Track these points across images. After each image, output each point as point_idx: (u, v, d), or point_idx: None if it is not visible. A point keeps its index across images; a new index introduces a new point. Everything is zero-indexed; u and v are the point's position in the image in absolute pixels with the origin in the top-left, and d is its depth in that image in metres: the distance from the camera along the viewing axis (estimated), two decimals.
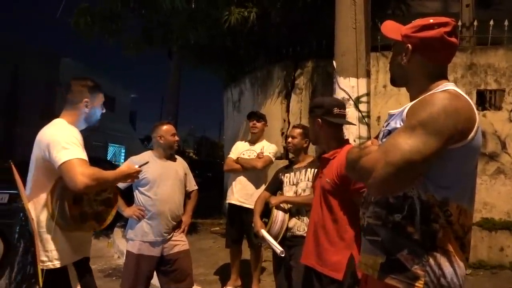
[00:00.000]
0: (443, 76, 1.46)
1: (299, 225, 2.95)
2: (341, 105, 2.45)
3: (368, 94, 4.27)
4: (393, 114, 1.49)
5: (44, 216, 1.99)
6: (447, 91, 1.36)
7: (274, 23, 6.69)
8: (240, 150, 4.29)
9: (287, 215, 2.99)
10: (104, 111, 2.30)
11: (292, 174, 3.11)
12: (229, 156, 4.33)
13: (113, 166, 9.67)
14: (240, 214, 4.11)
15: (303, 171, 3.06)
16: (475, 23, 5.92)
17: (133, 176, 2.26)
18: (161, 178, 3.18)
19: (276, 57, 7.05)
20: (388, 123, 1.49)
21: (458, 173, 1.35)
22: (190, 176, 3.51)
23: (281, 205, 3.00)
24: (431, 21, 1.42)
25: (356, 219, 1.65)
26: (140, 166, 2.32)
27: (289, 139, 3.16)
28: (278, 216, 2.96)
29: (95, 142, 17.70)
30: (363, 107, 4.20)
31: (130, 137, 25.37)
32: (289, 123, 6.50)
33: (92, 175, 1.88)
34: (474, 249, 5.00)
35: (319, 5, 6.23)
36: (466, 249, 1.38)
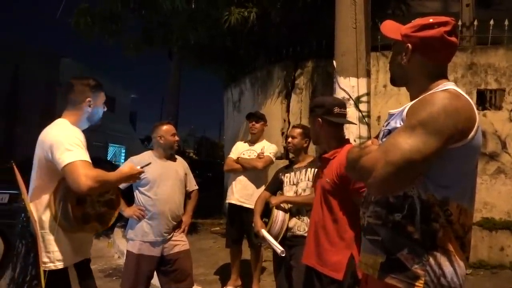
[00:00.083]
0: (443, 76, 1.46)
1: (300, 225, 2.95)
2: (342, 104, 2.45)
3: (368, 94, 4.26)
4: (393, 114, 1.49)
5: (46, 217, 1.98)
6: (447, 90, 1.36)
7: (274, 23, 6.69)
8: (240, 150, 4.29)
9: (287, 215, 2.99)
10: (105, 109, 2.29)
11: (292, 174, 3.11)
12: (229, 156, 4.33)
13: (113, 166, 9.67)
14: (240, 214, 4.11)
15: (303, 171, 3.07)
16: (475, 22, 5.92)
17: (136, 177, 2.26)
18: (161, 178, 3.18)
19: (276, 57, 7.05)
20: (388, 123, 1.49)
21: (458, 173, 1.35)
22: (190, 176, 3.51)
23: (281, 205, 3.00)
24: (431, 20, 1.42)
25: (357, 219, 1.65)
26: (142, 167, 2.32)
27: (289, 139, 3.16)
28: (279, 216, 2.96)
29: (95, 142, 17.70)
30: (363, 107, 4.20)
31: (130, 138, 25.37)
32: (289, 123, 6.50)
33: (96, 177, 1.87)
34: (475, 249, 5.00)
35: (319, 5, 6.23)
36: (467, 249, 1.38)
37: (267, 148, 4.16)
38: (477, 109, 4.71)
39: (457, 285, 1.33)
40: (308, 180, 3.01)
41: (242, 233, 4.24)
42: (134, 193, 3.23)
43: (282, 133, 6.48)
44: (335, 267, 2.13)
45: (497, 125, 5.32)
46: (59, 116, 2.15)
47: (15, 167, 2.05)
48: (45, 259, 1.95)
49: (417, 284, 1.31)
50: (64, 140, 1.93)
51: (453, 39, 1.42)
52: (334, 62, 4.36)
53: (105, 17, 7.03)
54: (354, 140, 3.94)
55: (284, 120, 6.60)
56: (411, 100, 1.45)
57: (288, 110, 6.60)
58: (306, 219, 2.94)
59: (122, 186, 3.05)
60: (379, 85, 5.70)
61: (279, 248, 2.83)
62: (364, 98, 4.22)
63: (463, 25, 6.15)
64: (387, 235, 1.40)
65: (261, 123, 4.29)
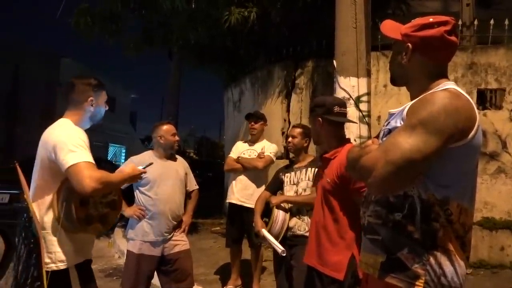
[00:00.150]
0: (444, 75, 1.46)
1: (300, 225, 2.95)
2: (342, 103, 2.45)
3: (368, 94, 4.26)
4: (394, 113, 1.49)
5: (48, 217, 1.98)
6: (447, 90, 1.36)
7: (274, 23, 6.69)
8: (241, 150, 4.29)
9: (287, 215, 2.99)
10: (107, 108, 2.28)
11: (293, 173, 3.11)
12: (230, 155, 4.33)
13: (113, 166, 9.67)
14: (241, 214, 4.11)
15: (304, 170, 3.07)
16: (476, 22, 5.91)
17: (138, 177, 2.25)
18: (162, 178, 3.18)
19: (277, 57, 7.05)
20: (389, 122, 1.49)
21: (459, 172, 1.35)
22: (191, 176, 3.51)
23: (281, 204, 3.00)
24: (431, 20, 1.41)
25: (357, 219, 1.65)
26: (144, 167, 2.31)
27: (290, 139, 3.16)
28: (279, 215, 2.96)
29: (95, 142, 17.72)
30: (363, 106, 4.20)
31: (131, 137, 25.39)
32: (289, 122, 6.50)
33: (100, 179, 1.87)
34: (475, 249, 5.00)
35: (319, 5, 6.23)
36: (467, 248, 1.38)
37: (268, 148, 4.16)
38: (478, 108, 4.66)
39: (457, 284, 1.33)
40: (309, 179, 3.01)
41: (242, 232, 4.24)
42: (135, 193, 3.23)
43: (283, 133, 6.48)
44: (336, 267, 2.13)
45: (497, 125, 5.32)
46: (60, 116, 2.14)
47: (18, 167, 2.04)
48: (47, 260, 1.94)
49: (417, 283, 1.31)
50: (67, 141, 1.92)
51: (453, 38, 1.42)
52: (334, 62, 4.35)
53: (105, 17, 7.03)
54: (355, 140, 3.94)
55: (285, 120, 6.60)
56: (412, 99, 1.45)
57: (288, 110, 6.60)
58: (306, 218, 2.95)
59: (123, 186, 3.05)
60: (379, 84, 5.70)
61: (279, 247, 2.83)
62: (365, 98, 4.22)
63: (463, 24, 6.15)
64: (387, 234, 1.40)
65: (261, 123, 4.28)
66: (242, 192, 4.11)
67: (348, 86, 4.17)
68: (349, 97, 4.12)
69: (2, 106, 16.27)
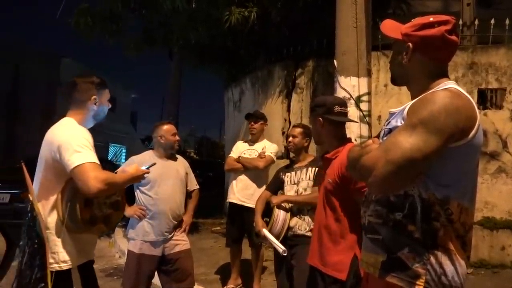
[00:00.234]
0: (444, 75, 1.46)
1: (301, 224, 2.95)
2: (343, 103, 2.45)
3: (369, 93, 4.26)
4: (394, 113, 1.49)
5: (52, 217, 1.97)
6: (448, 89, 1.36)
7: (274, 22, 6.69)
8: (241, 149, 4.29)
9: (288, 215, 2.98)
10: (110, 106, 2.26)
11: (293, 173, 3.11)
12: (230, 155, 4.33)
13: (114, 166, 9.68)
14: (241, 213, 4.11)
15: (304, 170, 3.06)
16: (476, 22, 5.91)
17: (141, 177, 2.24)
18: (162, 177, 3.18)
19: (277, 57, 7.04)
20: (389, 122, 1.49)
21: (459, 172, 1.35)
22: (191, 176, 3.51)
23: (282, 204, 3.00)
24: (431, 19, 1.41)
25: (359, 219, 1.65)
26: (148, 168, 2.31)
27: (290, 139, 3.16)
28: (280, 215, 2.96)
29: (96, 142, 17.71)
30: (364, 106, 4.20)
31: (131, 137, 25.40)
32: (290, 122, 6.49)
33: (105, 180, 1.86)
34: (475, 248, 5.00)
35: (320, 5, 6.23)
36: (467, 248, 1.38)
37: (268, 147, 4.16)
38: (478, 108, 4.69)
39: (458, 284, 1.33)
40: (309, 179, 3.01)
41: (242, 232, 4.24)
42: (135, 193, 3.23)
43: (283, 133, 6.47)
44: (337, 267, 2.13)
45: (498, 125, 5.32)
46: (61, 116, 2.13)
47: (24, 167, 2.02)
48: (50, 260, 1.93)
49: (418, 283, 1.31)
50: (72, 141, 1.91)
51: (454, 38, 1.42)
52: (335, 62, 4.35)
53: (105, 17, 7.03)
54: (355, 140, 3.94)
55: (285, 120, 6.60)
56: (412, 99, 1.45)
57: (288, 110, 6.60)
58: (307, 218, 2.94)
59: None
60: (379, 84, 5.70)
61: (280, 247, 2.83)
62: (365, 98, 4.22)
63: (463, 24, 6.15)
64: (388, 234, 1.40)
65: (260, 122, 4.28)
66: (243, 192, 4.11)
67: (349, 85, 4.17)
68: (349, 96, 4.12)
69: (2, 106, 16.29)
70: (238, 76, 8.41)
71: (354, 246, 2.11)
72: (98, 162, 1.93)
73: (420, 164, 1.27)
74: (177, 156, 3.45)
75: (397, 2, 7.41)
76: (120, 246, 5.82)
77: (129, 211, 3.14)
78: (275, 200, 3.02)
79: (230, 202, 4.23)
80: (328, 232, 2.21)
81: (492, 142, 5.29)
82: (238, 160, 4.16)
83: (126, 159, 5.84)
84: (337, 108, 2.35)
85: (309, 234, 2.90)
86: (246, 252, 4.43)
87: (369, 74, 4.30)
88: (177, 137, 3.36)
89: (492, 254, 5.11)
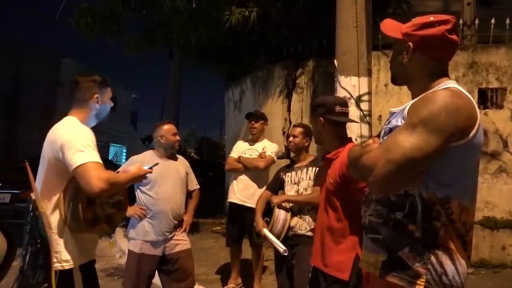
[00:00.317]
0: (444, 74, 1.46)
1: (301, 224, 2.95)
2: (343, 103, 2.44)
3: (369, 93, 4.26)
4: (395, 112, 1.49)
5: (55, 217, 1.95)
6: (448, 89, 1.36)
7: (275, 22, 6.69)
8: (241, 149, 4.29)
9: (289, 214, 2.98)
10: (112, 105, 2.25)
11: (294, 173, 3.11)
12: (230, 155, 4.33)
13: (115, 166, 9.69)
14: (241, 213, 4.11)
15: (304, 170, 3.06)
16: (477, 21, 5.91)
17: (144, 177, 2.22)
18: (162, 177, 3.18)
19: (277, 57, 7.04)
20: (389, 121, 1.49)
21: (460, 171, 1.34)
22: (192, 176, 3.52)
23: (282, 204, 3.00)
24: (432, 19, 1.41)
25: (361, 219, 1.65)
26: (150, 167, 2.30)
27: (290, 138, 3.16)
28: (280, 215, 2.96)
29: (96, 142, 17.71)
30: (364, 106, 4.20)
31: (131, 137, 25.41)
32: (290, 122, 6.49)
33: (108, 179, 1.85)
34: (476, 248, 5.00)
35: (320, 4, 6.23)
36: (468, 247, 1.38)
37: (269, 147, 4.16)
38: (479, 108, 4.68)
39: (458, 283, 1.33)
40: (309, 179, 3.01)
41: (242, 232, 4.24)
42: (136, 193, 3.23)
43: (283, 132, 6.47)
44: (340, 267, 2.13)
45: (498, 124, 5.32)
46: (61, 116, 2.11)
47: (28, 166, 2.01)
48: (53, 259, 1.92)
49: (418, 282, 1.31)
50: (75, 140, 1.90)
51: (454, 37, 1.42)
52: (335, 61, 4.35)
53: (105, 17, 7.03)
54: (355, 139, 3.94)
55: (285, 120, 6.60)
56: (413, 98, 1.45)
57: (289, 110, 6.60)
58: (307, 218, 2.95)
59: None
60: (380, 84, 5.70)
61: (281, 247, 2.83)
62: (365, 97, 4.22)
63: (464, 24, 6.14)
64: (388, 233, 1.40)
65: (261, 122, 4.28)
66: (243, 192, 4.11)
67: (349, 85, 4.17)
68: (350, 96, 4.12)
69: (2, 106, 16.29)
70: (239, 76, 8.41)
71: (356, 246, 2.11)
72: (101, 162, 1.91)
73: (421, 163, 1.27)
74: (178, 156, 3.46)
75: (397, 2, 7.41)
76: (121, 246, 5.82)
77: (129, 211, 3.14)
78: (275, 200, 3.02)
79: (230, 202, 4.23)
80: (330, 233, 2.21)
81: (492, 141, 5.29)
82: (239, 160, 4.16)
83: (126, 159, 5.83)
84: (338, 108, 2.35)
85: (309, 234, 2.90)
86: (247, 252, 4.43)
87: (369, 73, 4.30)
88: (177, 137, 3.36)
89: (492, 253, 5.11)
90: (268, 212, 3.07)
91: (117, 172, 2.45)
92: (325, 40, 6.07)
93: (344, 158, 2.00)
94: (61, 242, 1.95)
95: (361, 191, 1.91)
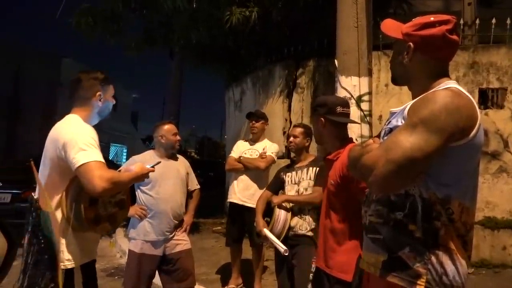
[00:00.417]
0: (445, 74, 1.46)
1: (301, 224, 2.95)
2: (344, 103, 2.44)
3: (370, 93, 4.26)
4: (395, 112, 1.49)
5: (57, 216, 1.94)
6: (448, 89, 1.36)
7: (275, 22, 6.69)
8: (241, 149, 4.29)
9: (289, 214, 2.98)
10: (114, 102, 2.24)
11: (294, 173, 3.11)
12: (231, 155, 4.32)
13: (115, 166, 9.69)
14: (242, 213, 4.11)
15: (305, 170, 3.06)
16: (477, 21, 5.91)
17: (146, 176, 2.19)
18: (163, 177, 3.18)
19: (278, 57, 7.04)
20: (390, 121, 1.49)
21: (460, 171, 1.34)
22: (192, 175, 3.52)
23: (283, 204, 3.00)
24: (432, 19, 1.41)
25: None
26: (153, 166, 2.29)
27: (291, 138, 3.16)
28: (280, 215, 2.95)
29: None
30: (365, 106, 4.20)
31: (132, 137, 25.44)
32: (290, 122, 6.50)
33: (111, 179, 1.83)
34: (477, 248, 4.99)
35: (320, 4, 6.23)
36: (468, 247, 1.38)
37: (269, 147, 4.16)
38: (479, 108, 4.68)
39: (459, 283, 1.33)
40: (310, 179, 3.01)
41: (242, 232, 4.25)
42: (136, 192, 3.23)
43: (284, 132, 6.47)
44: (343, 268, 2.12)
45: (499, 124, 5.31)
46: (61, 116, 2.10)
47: (33, 166, 2.01)
48: (60, 259, 1.91)
49: (418, 282, 1.31)
50: (78, 139, 1.88)
51: (455, 37, 1.42)
52: (336, 61, 4.35)
53: (106, 17, 7.04)
54: (356, 139, 3.94)
55: (286, 119, 6.60)
56: (413, 98, 1.45)
57: (289, 109, 6.60)
58: (308, 218, 2.94)
59: None
60: (380, 84, 5.69)
61: (282, 247, 2.82)
62: (366, 97, 4.22)
63: (465, 24, 6.14)
64: (388, 233, 1.40)
65: (261, 122, 4.28)
66: (244, 192, 4.11)
67: (350, 85, 4.17)
68: (350, 96, 4.12)
69: (3, 106, 16.31)
70: (239, 76, 8.41)
71: (359, 247, 2.10)
72: (104, 161, 1.90)
73: (421, 163, 1.27)
74: (178, 156, 3.46)
75: (398, 2, 7.42)
76: (121, 246, 5.83)
77: (130, 211, 3.13)
78: (276, 200, 3.02)
79: (230, 202, 4.23)
80: (333, 234, 2.21)
81: (493, 141, 5.28)
82: (239, 160, 4.16)
83: (127, 159, 5.84)
84: (339, 109, 2.34)
85: (310, 234, 2.90)
86: (247, 252, 4.43)
87: (370, 73, 4.30)
88: (177, 137, 3.36)
89: (493, 254, 5.11)
90: (268, 212, 3.06)
91: (119, 171, 2.44)
92: (325, 40, 6.07)
93: (344, 159, 2.00)
94: (63, 241, 1.94)
95: (363, 192, 1.90)
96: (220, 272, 4.86)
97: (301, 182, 3.04)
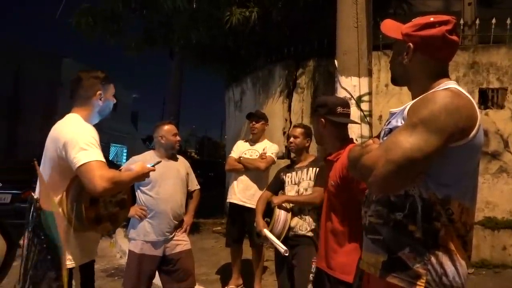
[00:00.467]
0: (445, 75, 1.46)
1: (301, 224, 2.95)
2: (345, 104, 2.44)
3: (370, 93, 4.26)
4: (394, 113, 1.49)
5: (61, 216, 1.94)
6: (448, 89, 1.36)
7: (275, 22, 6.69)
8: (241, 149, 4.29)
9: (289, 215, 2.98)
10: (115, 101, 2.23)
11: (294, 173, 3.11)
12: (231, 155, 4.32)
13: (115, 166, 9.70)
14: (242, 214, 4.11)
15: (305, 170, 3.06)
16: (477, 21, 5.90)
17: (147, 175, 2.18)
18: (163, 177, 3.18)
19: (278, 57, 7.04)
20: (389, 122, 1.49)
21: (460, 171, 1.34)
22: (192, 176, 3.52)
23: (283, 204, 3.00)
24: (432, 19, 1.41)
25: None
26: (153, 165, 2.29)
27: (291, 139, 3.16)
28: (280, 215, 2.95)
29: None
30: (365, 106, 4.20)
31: (132, 137, 25.44)
32: (290, 122, 6.49)
33: (112, 179, 1.83)
34: (477, 248, 4.99)
35: (320, 4, 6.23)
36: (468, 248, 1.38)
37: (269, 148, 4.16)
38: (479, 108, 4.71)
39: (459, 284, 1.33)
40: (310, 179, 3.01)
41: (242, 232, 4.24)
42: (136, 193, 3.23)
43: (284, 133, 6.47)
44: (344, 269, 2.12)
45: (499, 124, 5.31)
46: (62, 117, 2.09)
47: (37, 166, 2.00)
48: (65, 258, 1.91)
49: (418, 283, 1.31)
50: (79, 139, 1.88)
51: (455, 37, 1.42)
52: (336, 61, 4.35)
53: (106, 17, 7.04)
54: (356, 140, 3.94)
55: (286, 120, 6.60)
56: (413, 99, 1.45)
57: (289, 110, 6.59)
58: (308, 218, 2.94)
59: None
60: (380, 84, 5.69)
61: (282, 247, 2.82)
62: (366, 98, 4.22)
63: (465, 24, 6.14)
64: (388, 234, 1.40)
65: (262, 122, 4.28)
66: (244, 192, 4.11)
67: (350, 85, 4.17)
68: (350, 96, 4.11)
69: (3, 106, 16.32)
70: (239, 76, 8.41)
71: (360, 248, 2.10)
72: (104, 161, 1.90)
73: (421, 163, 1.27)
74: (178, 156, 3.46)
75: (398, 2, 7.42)
76: (121, 246, 5.83)
77: (130, 211, 3.14)
78: (276, 200, 3.02)
79: (230, 203, 4.23)
80: (334, 235, 2.21)
81: (493, 142, 5.28)
82: (239, 160, 4.16)
83: (127, 159, 5.84)
84: (339, 109, 2.34)
85: (310, 234, 2.90)
86: (247, 252, 4.43)
87: (370, 74, 4.30)
88: (177, 137, 3.36)
89: (493, 254, 5.11)
90: (268, 212, 3.06)
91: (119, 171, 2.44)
92: (325, 40, 6.07)
93: (345, 160, 1.99)
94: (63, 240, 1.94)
95: (363, 192, 1.90)
96: (220, 272, 4.86)
97: (301, 183, 3.04)
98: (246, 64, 8.20)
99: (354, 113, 4.02)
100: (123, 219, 2.18)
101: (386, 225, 1.40)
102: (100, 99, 2.11)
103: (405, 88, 1.57)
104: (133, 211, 3.14)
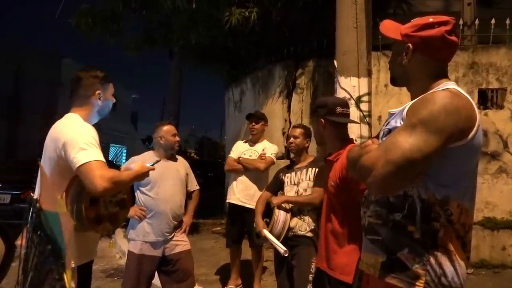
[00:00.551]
0: (444, 75, 1.46)
1: (301, 225, 2.95)
2: (344, 104, 2.44)
3: (369, 94, 4.26)
4: (394, 113, 1.49)
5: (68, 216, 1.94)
6: (448, 89, 1.36)
7: (275, 23, 6.69)
8: (241, 149, 4.29)
9: (288, 215, 2.98)
10: (114, 101, 2.23)
11: (293, 174, 3.11)
12: (230, 155, 4.32)
13: (115, 166, 9.69)
14: (242, 214, 4.11)
15: (304, 170, 3.06)
16: (477, 21, 5.90)
17: (147, 174, 2.17)
18: (162, 178, 3.18)
19: (277, 57, 7.04)
20: (388, 122, 1.49)
21: (459, 172, 1.34)
22: (192, 176, 3.52)
23: (282, 205, 3.00)
24: (431, 20, 1.41)
25: None
26: (152, 164, 2.28)
27: (291, 139, 3.16)
28: (280, 216, 2.95)
29: None
30: (364, 106, 4.19)
31: (132, 138, 25.44)
32: (290, 122, 6.49)
33: (112, 178, 1.82)
34: (476, 249, 4.99)
35: (320, 5, 6.23)
36: (467, 248, 1.38)
37: (269, 148, 4.16)
38: (479, 108, 4.72)
39: (458, 284, 1.33)
40: (309, 180, 3.01)
41: (242, 233, 4.24)
42: (135, 193, 3.23)
43: (283, 133, 6.47)
44: (344, 270, 2.12)
45: (498, 125, 5.32)
46: (62, 117, 2.09)
47: (41, 165, 2.00)
48: (69, 257, 1.90)
49: (417, 283, 1.31)
50: (78, 139, 1.87)
51: (454, 38, 1.42)
52: (335, 62, 4.35)
53: (106, 17, 7.04)
54: (355, 140, 3.94)
55: (285, 120, 6.59)
56: (412, 99, 1.45)
57: (289, 110, 6.59)
58: (307, 218, 2.94)
59: None
60: (380, 84, 5.69)
61: (282, 248, 2.82)
62: (365, 98, 4.21)
63: (464, 24, 6.14)
64: (387, 234, 1.40)
65: (261, 123, 4.28)
66: (243, 192, 4.11)
67: (349, 86, 4.17)
68: (349, 97, 4.11)
69: (3, 106, 16.32)
70: (239, 76, 8.41)
71: (360, 248, 2.10)
72: (104, 160, 1.89)
73: (420, 164, 1.27)
74: (177, 156, 3.46)
75: (397, 2, 7.42)
76: (121, 247, 5.82)
77: (129, 211, 3.14)
78: (275, 200, 3.02)
79: (230, 203, 4.23)
80: (334, 236, 2.20)
81: (492, 142, 5.28)
82: (239, 160, 4.16)
83: (126, 159, 5.84)
84: (339, 109, 2.34)
85: (309, 234, 2.90)
86: (247, 253, 4.43)
87: (369, 74, 4.30)
88: (177, 138, 3.36)
89: (493, 254, 5.11)
90: (268, 213, 3.06)
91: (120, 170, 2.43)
92: (325, 41, 6.07)
93: (344, 160, 1.99)
94: None
95: (363, 193, 1.90)
96: (219, 272, 4.86)
97: (300, 183, 3.04)
98: (245, 65, 8.20)
99: (354, 114, 4.02)
100: (123, 219, 2.17)
101: (385, 225, 1.40)
102: (99, 99, 2.10)
103: (404, 89, 1.57)
104: (133, 211, 3.13)
